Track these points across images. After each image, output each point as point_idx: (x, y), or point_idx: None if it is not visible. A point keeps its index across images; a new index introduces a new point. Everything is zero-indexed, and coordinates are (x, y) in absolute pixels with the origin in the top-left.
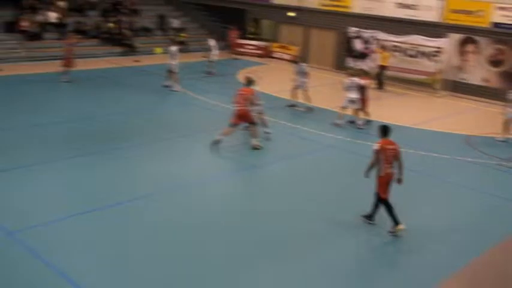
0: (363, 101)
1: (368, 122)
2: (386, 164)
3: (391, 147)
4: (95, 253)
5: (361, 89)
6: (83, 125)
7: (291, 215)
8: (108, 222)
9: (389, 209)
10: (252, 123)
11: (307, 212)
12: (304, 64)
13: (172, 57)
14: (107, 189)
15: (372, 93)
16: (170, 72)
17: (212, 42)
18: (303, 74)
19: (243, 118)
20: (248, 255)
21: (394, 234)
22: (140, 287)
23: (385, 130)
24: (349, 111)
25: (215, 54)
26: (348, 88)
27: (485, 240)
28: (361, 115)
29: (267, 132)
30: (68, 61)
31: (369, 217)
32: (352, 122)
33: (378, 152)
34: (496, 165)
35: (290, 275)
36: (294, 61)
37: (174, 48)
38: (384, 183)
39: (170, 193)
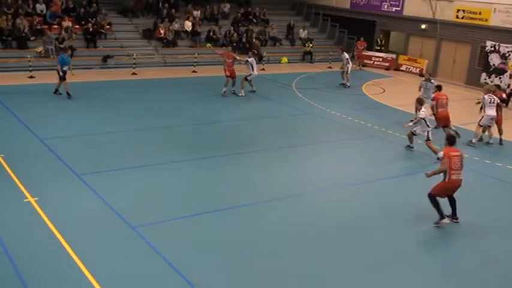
0: (498, 119)
1: (500, 141)
2: (453, 170)
3: (456, 154)
4: (213, 253)
5: (497, 106)
6: (209, 129)
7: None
8: (229, 223)
9: (437, 203)
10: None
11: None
12: (432, 80)
13: (252, 68)
14: (230, 191)
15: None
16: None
17: (346, 55)
18: (428, 90)
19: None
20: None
21: (437, 226)
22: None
23: (452, 139)
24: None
25: (349, 66)
26: (489, 105)
27: None
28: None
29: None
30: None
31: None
32: (488, 143)
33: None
34: None
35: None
36: (423, 76)
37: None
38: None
39: (292, 198)
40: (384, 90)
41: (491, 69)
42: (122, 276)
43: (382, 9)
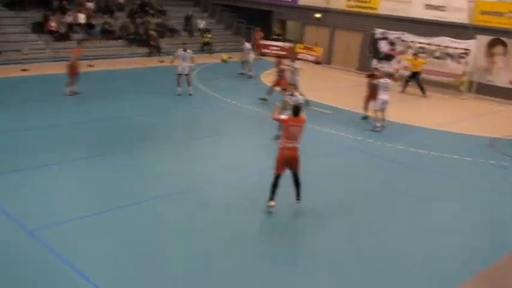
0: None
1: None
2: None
3: (296, 123)
4: (114, 252)
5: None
6: (103, 125)
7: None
8: (126, 221)
9: (275, 185)
10: None
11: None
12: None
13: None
14: (127, 188)
15: (398, 96)
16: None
17: (247, 45)
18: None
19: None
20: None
21: (267, 209)
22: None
23: (296, 109)
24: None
25: (251, 56)
26: (384, 89)
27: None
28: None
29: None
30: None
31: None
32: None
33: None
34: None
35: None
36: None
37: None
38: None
39: (188, 193)
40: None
41: (381, 56)
42: (19, 284)
43: None
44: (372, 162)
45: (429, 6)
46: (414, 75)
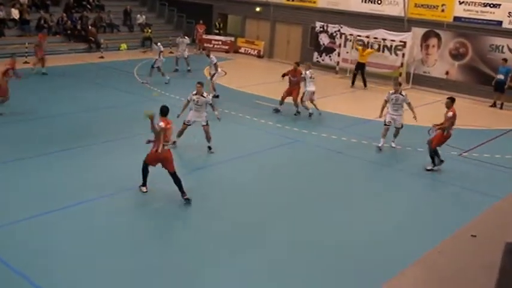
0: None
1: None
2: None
3: (169, 126)
4: (55, 254)
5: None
6: (44, 124)
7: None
8: (68, 223)
9: (145, 172)
10: None
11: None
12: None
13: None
14: (67, 189)
15: (339, 88)
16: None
17: (185, 40)
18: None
19: None
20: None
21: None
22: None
23: (163, 110)
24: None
25: (186, 50)
26: (309, 80)
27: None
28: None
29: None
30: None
31: None
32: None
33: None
34: (457, 156)
35: None
36: (261, 57)
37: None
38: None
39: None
40: (226, 73)
41: (322, 49)
42: None
43: None
44: (318, 154)
45: (366, 0)
46: (360, 66)
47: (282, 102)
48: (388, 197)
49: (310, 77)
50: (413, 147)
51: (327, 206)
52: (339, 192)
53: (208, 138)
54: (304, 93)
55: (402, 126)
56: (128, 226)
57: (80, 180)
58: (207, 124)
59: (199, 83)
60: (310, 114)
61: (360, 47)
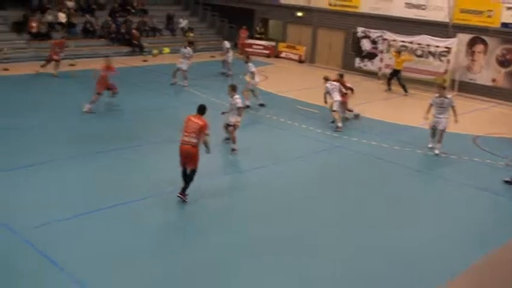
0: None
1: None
2: (185, 132)
3: (195, 120)
4: (102, 252)
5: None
6: (91, 124)
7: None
8: (112, 223)
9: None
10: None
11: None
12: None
13: (185, 58)
14: (112, 189)
15: (381, 94)
16: (180, 71)
17: (227, 44)
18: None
19: None
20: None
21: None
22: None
23: (200, 108)
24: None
25: (230, 55)
26: (333, 91)
27: (489, 241)
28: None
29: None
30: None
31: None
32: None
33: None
34: (505, 166)
35: None
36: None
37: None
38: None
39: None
40: (267, 78)
41: (364, 54)
42: (5, 283)
43: None
44: (359, 160)
45: (409, 5)
46: (395, 73)
47: (349, 110)
48: (436, 206)
49: (333, 88)
50: (459, 155)
51: (373, 212)
52: (385, 199)
53: (232, 139)
54: (333, 103)
55: (445, 130)
56: (170, 226)
57: (125, 180)
58: (232, 126)
59: (229, 86)
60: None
61: (395, 54)
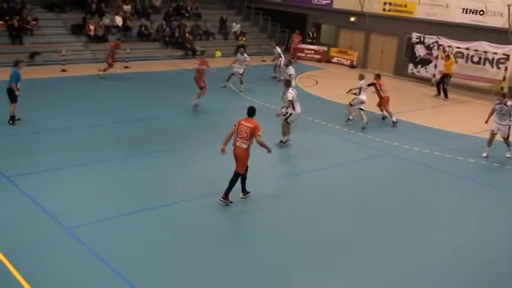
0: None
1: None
2: (237, 137)
3: (246, 124)
4: (151, 251)
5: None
6: (141, 126)
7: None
8: (165, 221)
9: (243, 178)
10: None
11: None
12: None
13: (242, 64)
14: (161, 189)
15: (434, 101)
16: (237, 75)
17: (279, 49)
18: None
19: None
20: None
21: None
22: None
23: (250, 110)
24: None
25: (282, 60)
26: (364, 90)
27: None
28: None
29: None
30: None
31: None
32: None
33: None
34: None
35: None
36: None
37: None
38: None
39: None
40: (317, 82)
41: (418, 60)
42: (57, 280)
43: (313, 2)
44: (410, 167)
45: (467, 10)
46: (444, 77)
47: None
48: (486, 215)
49: (365, 87)
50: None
51: (419, 223)
52: (435, 208)
53: (283, 133)
54: (354, 99)
55: (508, 137)
56: (221, 227)
57: (171, 181)
58: (284, 120)
59: (284, 80)
60: (349, 120)
61: (444, 57)
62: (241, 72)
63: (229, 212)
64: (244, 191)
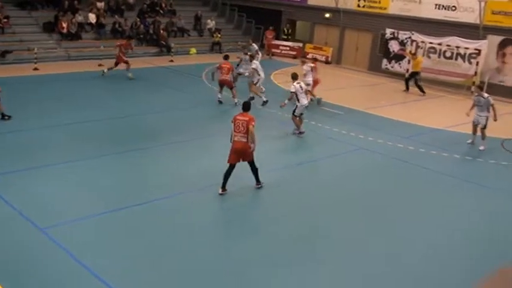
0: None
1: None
2: (235, 132)
3: (242, 118)
4: (130, 250)
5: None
6: (116, 124)
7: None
8: (146, 219)
9: (227, 174)
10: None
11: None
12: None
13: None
14: (138, 187)
15: (407, 96)
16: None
17: (255, 46)
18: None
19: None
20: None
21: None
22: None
23: (245, 105)
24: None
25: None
26: (301, 94)
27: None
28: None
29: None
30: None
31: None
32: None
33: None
34: None
35: None
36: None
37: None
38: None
39: (209, 188)
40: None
41: (391, 56)
42: (32, 283)
43: None
44: (382, 162)
45: (439, 6)
46: (413, 75)
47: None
48: (459, 208)
49: (302, 90)
50: (485, 159)
51: (394, 214)
52: (408, 201)
53: (296, 125)
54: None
55: (485, 127)
56: (198, 224)
57: (150, 178)
58: (292, 114)
59: (292, 74)
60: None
61: (411, 55)
62: (241, 72)
63: (209, 209)
64: (258, 181)
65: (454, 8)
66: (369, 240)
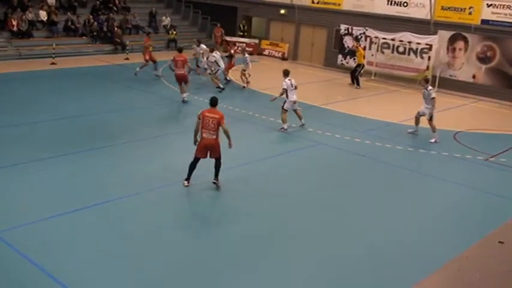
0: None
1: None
2: (203, 129)
3: (211, 115)
4: (86, 251)
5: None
6: (71, 123)
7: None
8: (102, 219)
9: (192, 166)
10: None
11: None
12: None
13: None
14: (94, 187)
15: (363, 91)
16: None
17: (204, 46)
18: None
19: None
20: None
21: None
22: (126, 285)
23: (212, 101)
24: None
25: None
26: (291, 89)
27: (468, 236)
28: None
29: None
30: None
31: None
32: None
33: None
34: (484, 161)
35: None
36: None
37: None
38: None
39: (164, 188)
40: (249, 75)
41: (346, 51)
42: None
43: None
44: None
45: (392, 2)
46: (357, 67)
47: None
48: (414, 201)
49: (292, 86)
50: (438, 151)
51: (351, 208)
52: (366, 195)
53: (282, 120)
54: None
55: (431, 119)
56: (156, 222)
57: (107, 178)
58: (282, 108)
59: (283, 71)
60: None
61: (357, 47)
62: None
63: (170, 207)
64: (217, 177)
65: (405, 4)
66: (324, 235)
